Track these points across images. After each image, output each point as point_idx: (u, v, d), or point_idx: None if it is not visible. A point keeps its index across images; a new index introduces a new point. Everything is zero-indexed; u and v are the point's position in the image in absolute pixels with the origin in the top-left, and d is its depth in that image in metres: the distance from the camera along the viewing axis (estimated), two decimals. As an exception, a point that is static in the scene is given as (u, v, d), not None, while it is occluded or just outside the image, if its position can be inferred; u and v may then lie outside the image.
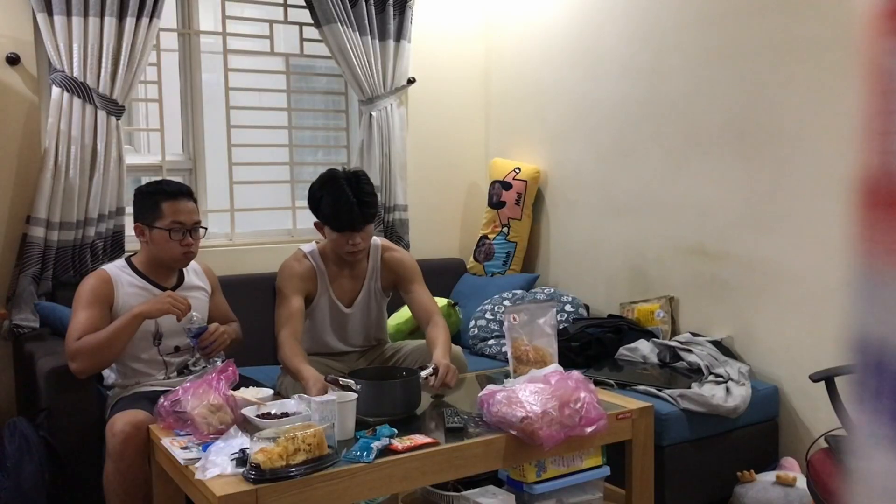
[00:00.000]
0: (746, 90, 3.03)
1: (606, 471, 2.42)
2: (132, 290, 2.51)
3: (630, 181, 3.54)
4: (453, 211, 4.26)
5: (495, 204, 4.03)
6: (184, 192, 2.58)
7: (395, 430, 2.11)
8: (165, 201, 2.51)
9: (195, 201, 2.61)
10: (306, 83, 4.25)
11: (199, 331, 2.48)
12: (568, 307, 3.51)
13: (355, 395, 2.14)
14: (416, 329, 3.35)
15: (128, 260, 2.61)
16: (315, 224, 2.71)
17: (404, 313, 3.41)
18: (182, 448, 2.04)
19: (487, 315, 3.58)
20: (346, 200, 2.56)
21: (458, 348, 2.82)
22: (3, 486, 2.36)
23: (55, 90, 3.06)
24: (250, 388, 2.39)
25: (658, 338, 3.25)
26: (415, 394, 2.36)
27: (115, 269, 2.55)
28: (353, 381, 2.26)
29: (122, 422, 2.26)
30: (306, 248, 2.76)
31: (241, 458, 1.89)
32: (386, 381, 2.36)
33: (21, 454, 2.41)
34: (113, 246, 3.25)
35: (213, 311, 2.71)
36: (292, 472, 1.84)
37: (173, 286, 2.60)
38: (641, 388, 2.82)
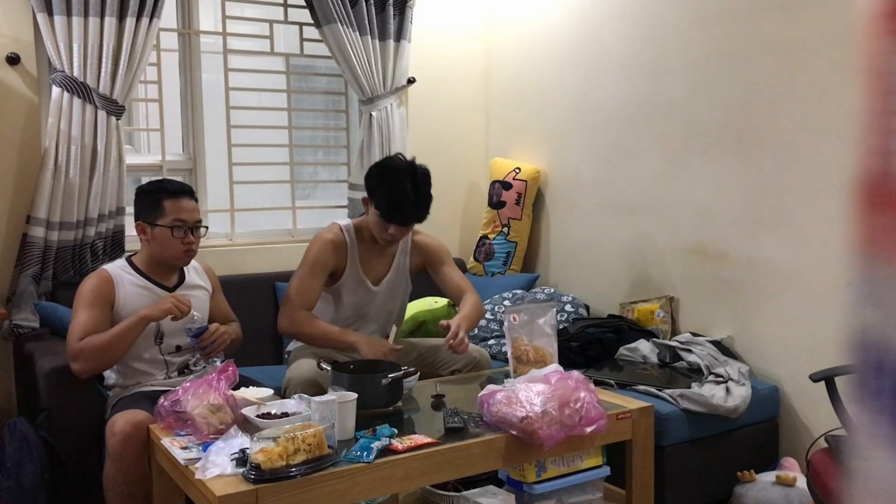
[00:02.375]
0: (746, 90, 3.03)
1: (606, 471, 2.42)
2: (133, 290, 2.51)
3: (630, 181, 3.54)
4: (453, 211, 4.26)
5: (495, 204, 4.03)
6: (185, 191, 2.59)
7: (395, 430, 2.11)
8: (167, 199, 2.52)
9: (196, 200, 2.62)
10: (306, 83, 4.25)
11: (200, 330, 2.48)
12: (568, 307, 3.51)
13: (355, 395, 2.14)
14: (416, 329, 3.35)
15: (128, 259, 2.61)
16: (363, 199, 2.76)
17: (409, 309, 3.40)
18: (182, 448, 2.04)
19: (487, 315, 3.58)
20: (406, 198, 2.62)
21: (483, 351, 2.84)
22: (3, 486, 2.37)
23: (55, 90, 3.06)
24: (250, 388, 2.39)
25: (658, 338, 3.25)
26: (395, 388, 2.35)
27: (116, 268, 2.55)
28: (329, 366, 2.33)
29: (122, 421, 2.25)
30: (342, 221, 2.82)
31: (241, 458, 1.89)
32: (367, 374, 2.36)
33: (21, 454, 2.41)
34: (113, 246, 3.25)
35: (214, 310, 2.71)
36: (292, 472, 1.84)
37: (174, 285, 2.60)
38: (641, 387, 2.82)
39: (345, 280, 2.76)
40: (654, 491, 2.48)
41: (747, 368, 2.97)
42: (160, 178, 2.89)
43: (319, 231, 2.81)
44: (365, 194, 2.75)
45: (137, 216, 2.57)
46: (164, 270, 2.59)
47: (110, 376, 2.60)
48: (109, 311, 2.47)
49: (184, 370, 2.59)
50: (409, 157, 4.03)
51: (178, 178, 3.63)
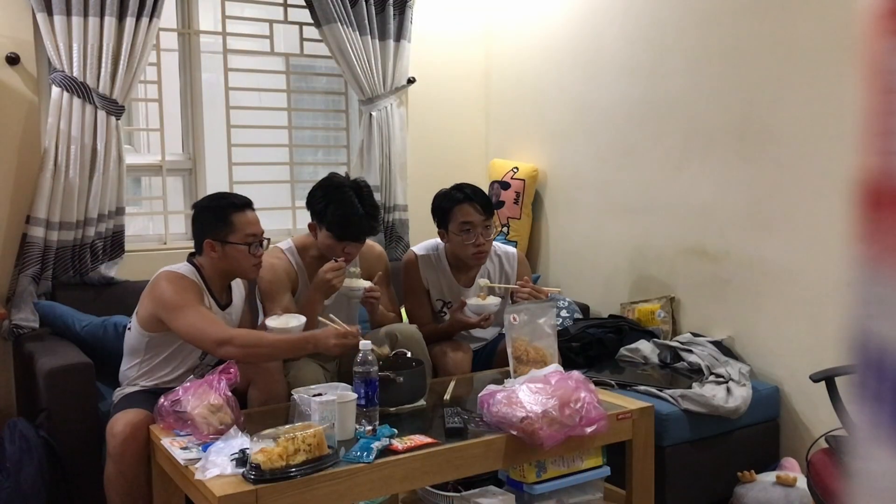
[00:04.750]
0: (746, 90, 3.02)
1: (606, 471, 2.42)
2: (204, 298, 2.48)
3: (630, 181, 3.54)
4: (453, 211, 4.25)
5: (495, 204, 4.03)
6: (249, 203, 2.54)
7: (395, 431, 2.11)
8: (235, 213, 2.46)
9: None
10: (306, 83, 4.25)
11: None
12: (563, 312, 3.48)
13: (355, 396, 2.14)
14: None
15: (193, 264, 2.51)
16: (309, 225, 2.72)
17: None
18: (182, 448, 2.04)
19: (487, 315, 3.57)
20: (355, 212, 2.59)
21: (412, 326, 2.80)
22: (3, 486, 2.36)
23: (55, 90, 3.06)
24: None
25: (659, 338, 3.25)
26: (420, 384, 2.40)
27: (189, 272, 2.46)
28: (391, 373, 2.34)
29: (122, 422, 2.25)
30: (283, 245, 2.78)
31: (241, 459, 1.89)
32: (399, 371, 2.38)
33: (21, 454, 2.41)
34: (113, 246, 3.25)
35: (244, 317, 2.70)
36: (292, 472, 1.84)
37: (226, 303, 2.56)
38: (642, 388, 2.82)
39: (298, 301, 2.70)
40: (654, 491, 2.48)
41: (748, 369, 2.97)
42: (219, 192, 2.70)
43: (265, 258, 2.67)
44: (310, 221, 2.71)
45: (205, 234, 2.47)
46: (221, 286, 2.55)
47: (127, 376, 2.56)
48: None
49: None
50: (409, 157, 4.06)
51: (178, 179, 3.65)
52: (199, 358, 2.53)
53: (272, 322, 2.42)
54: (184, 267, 2.50)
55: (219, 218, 2.47)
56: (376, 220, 2.71)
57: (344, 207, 2.59)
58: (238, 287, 2.68)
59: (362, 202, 2.62)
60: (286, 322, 2.43)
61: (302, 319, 2.44)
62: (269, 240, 2.58)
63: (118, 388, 2.56)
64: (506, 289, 2.91)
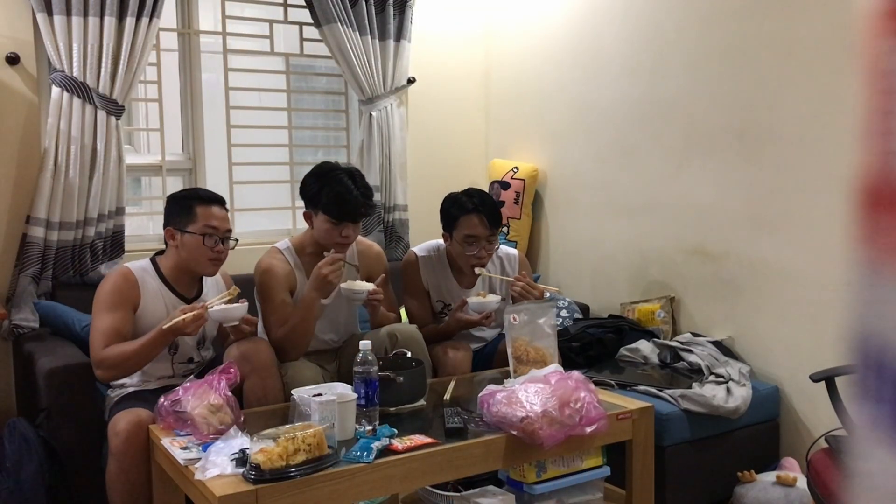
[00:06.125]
0: (746, 90, 3.03)
1: (606, 471, 2.42)
2: (155, 295, 2.48)
3: (630, 181, 3.54)
4: (453, 211, 4.25)
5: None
6: (218, 200, 2.56)
7: (395, 431, 2.11)
8: (199, 205, 2.49)
9: (227, 210, 2.59)
10: (306, 83, 4.26)
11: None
12: (563, 312, 3.48)
13: (355, 396, 2.14)
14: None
15: (153, 261, 2.55)
16: (305, 214, 2.72)
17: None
18: (182, 448, 2.04)
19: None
20: (349, 191, 2.61)
21: (412, 327, 2.80)
22: (3, 486, 2.36)
23: (55, 90, 3.06)
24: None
25: (659, 338, 3.25)
26: (420, 384, 2.40)
27: (140, 269, 2.50)
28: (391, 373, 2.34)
29: (124, 420, 2.25)
30: (280, 245, 2.78)
31: (241, 458, 1.89)
32: (397, 371, 2.38)
33: (21, 454, 2.41)
34: (113, 246, 3.25)
35: None
36: (292, 472, 1.84)
37: (193, 297, 2.56)
38: (642, 388, 2.82)
39: (295, 300, 2.69)
40: (654, 491, 2.48)
41: (748, 369, 2.97)
42: (195, 187, 2.80)
43: (261, 259, 2.72)
44: (306, 210, 2.71)
45: (167, 222, 2.52)
46: (186, 279, 2.55)
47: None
48: (132, 314, 2.43)
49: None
50: (409, 157, 4.06)
51: (178, 179, 3.65)
52: (170, 366, 2.54)
53: (213, 309, 2.42)
54: (140, 263, 2.54)
55: (183, 208, 2.50)
56: (371, 201, 2.73)
57: (338, 187, 2.61)
58: (215, 283, 2.67)
59: (356, 184, 2.64)
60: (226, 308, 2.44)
61: (242, 308, 2.45)
62: (236, 240, 2.59)
63: (109, 390, 2.57)
64: (503, 280, 2.92)
